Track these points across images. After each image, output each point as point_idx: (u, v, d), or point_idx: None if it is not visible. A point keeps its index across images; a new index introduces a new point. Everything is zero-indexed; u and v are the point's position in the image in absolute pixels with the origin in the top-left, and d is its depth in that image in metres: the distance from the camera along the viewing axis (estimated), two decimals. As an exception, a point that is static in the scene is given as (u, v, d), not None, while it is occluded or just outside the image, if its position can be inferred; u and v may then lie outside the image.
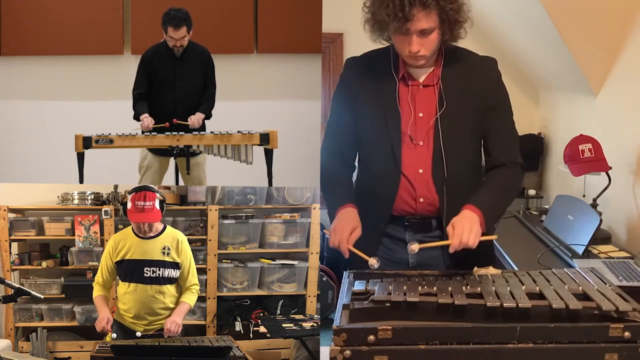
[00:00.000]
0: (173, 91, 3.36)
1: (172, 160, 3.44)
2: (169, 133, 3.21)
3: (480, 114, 1.95)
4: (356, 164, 2.11)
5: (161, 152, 3.41)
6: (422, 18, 1.77)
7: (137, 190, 2.73)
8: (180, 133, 3.21)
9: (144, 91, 3.37)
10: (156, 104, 3.37)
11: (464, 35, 1.88)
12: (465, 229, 1.76)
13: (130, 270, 2.80)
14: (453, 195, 1.93)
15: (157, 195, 2.74)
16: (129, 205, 2.71)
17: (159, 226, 2.82)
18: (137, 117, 3.33)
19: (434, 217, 1.99)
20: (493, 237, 1.91)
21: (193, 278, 2.89)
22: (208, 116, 3.42)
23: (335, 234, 1.90)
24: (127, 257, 2.80)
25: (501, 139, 1.98)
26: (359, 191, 2.07)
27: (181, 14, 3.27)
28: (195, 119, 3.33)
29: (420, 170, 1.95)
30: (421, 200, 1.96)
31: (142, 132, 3.24)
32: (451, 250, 1.77)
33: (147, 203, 2.69)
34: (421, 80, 1.95)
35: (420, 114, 1.94)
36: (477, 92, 1.94)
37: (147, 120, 3.27)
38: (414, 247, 1.84)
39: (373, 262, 1.82)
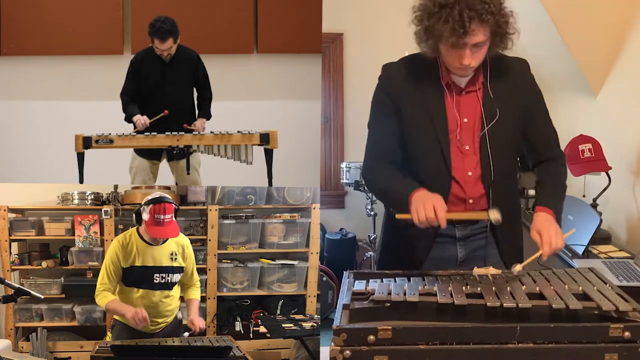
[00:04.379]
0: (163, 96, 3.35)
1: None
2: (169, 133, 3.21)
3: (521, 114, 2.03)
4: None
5: (146, 154, 3.41)
6: (479, 32, 1.82)
7: (155, 201, 2.65)
8: (180, 133, 3.21)
9: (132, 95, 3.39)
10: (146, 108, 3.37)
11: (511, 46, 1.93)
12: (552, 234, 1.85)
13: (139, 276, 2.77)
14: (496, 193, 2.02)
15: (174, 206, 2.70)
16: (146, 217, 2.65)
17: None
18: (128, 119, 3.33)
19: None
20: (572, 231, 2.02)
21: (195, 275, 2.95)
22: (208, 118, 3.45)
23: (421, 209, 1.82)
24: (137, 264, 2.76)
25: (544, 135, 2.08)
26: None
27: (167, 26, 3.25)
28: (199, 125, 3.37)
29: (470, 173, 2.01)
30: (470, 201, 2.02)
31: (140, 132, 3.24)
32: (545, 258, 1.85)
33: (167, 216, 2.64)
34: (463, 86, 2.01)
35: (465, 120, 2.01)
36: (516, 94, 2.02)
37: (142, 119, 3.27)
38: (518, 267, 1.82)
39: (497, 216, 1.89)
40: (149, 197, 2.71)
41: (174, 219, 2.70)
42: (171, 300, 2.83)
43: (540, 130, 2.07)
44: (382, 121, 2.09)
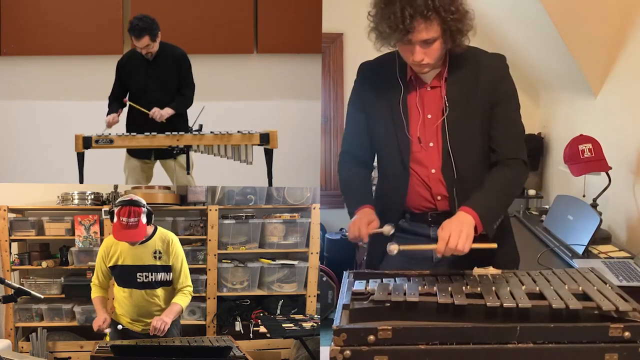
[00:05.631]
0: (146, 95, 3.36)
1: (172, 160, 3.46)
2: (168, 133, 3.21)
3: (485, 112, 1.95)
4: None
5: (137, 154, 3.42)
6: (423, 30, 1.78)
7: (122, 204, 2.65)
8: (180, 133, 3.21)
9: (118, 95, 3.40)
10: (133, 107, 3.38)
11: (468, 43, 1.89)
12: (454, 232, 1.72)
13: (123, 276, 2.79)
14: (464, 195, 1.94)
15: (143, 209, 2.66)
16: (115, 219, 2.64)
17: (149, 230, 2.77)
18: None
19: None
20: (492, 246, 1.80)
21: (185, 279, 2.85)
22: (179, 111, 3.38)
23: (354, 226, 1.92)
24: (119, 263, 2.78)
25: (503, 135, 1.96)
26: (378, 190, 2.14)
27: (142, 24, 3.23)
28: (158, 112, 3.29)
29: (433, 170, 1.98)
30: (439, 198, 2.00)
31: (140, 132, 3.24)
32: (439, 255, 1.74)
33: (132, 220, 2.61)
34: (429, 82, 1.98)
35: (429, 116, 1.97)
36: (481, 90, 1.94)
37: (109, 117, 3.31)
38: (393, 247, 1.79)
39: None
40: (119, 199, 2.72)
41: (143, 222, 2.64)
42: (160, 300, 2.81)
43: (501, 128, 1.95)
44: (352, 120, 2.13)
